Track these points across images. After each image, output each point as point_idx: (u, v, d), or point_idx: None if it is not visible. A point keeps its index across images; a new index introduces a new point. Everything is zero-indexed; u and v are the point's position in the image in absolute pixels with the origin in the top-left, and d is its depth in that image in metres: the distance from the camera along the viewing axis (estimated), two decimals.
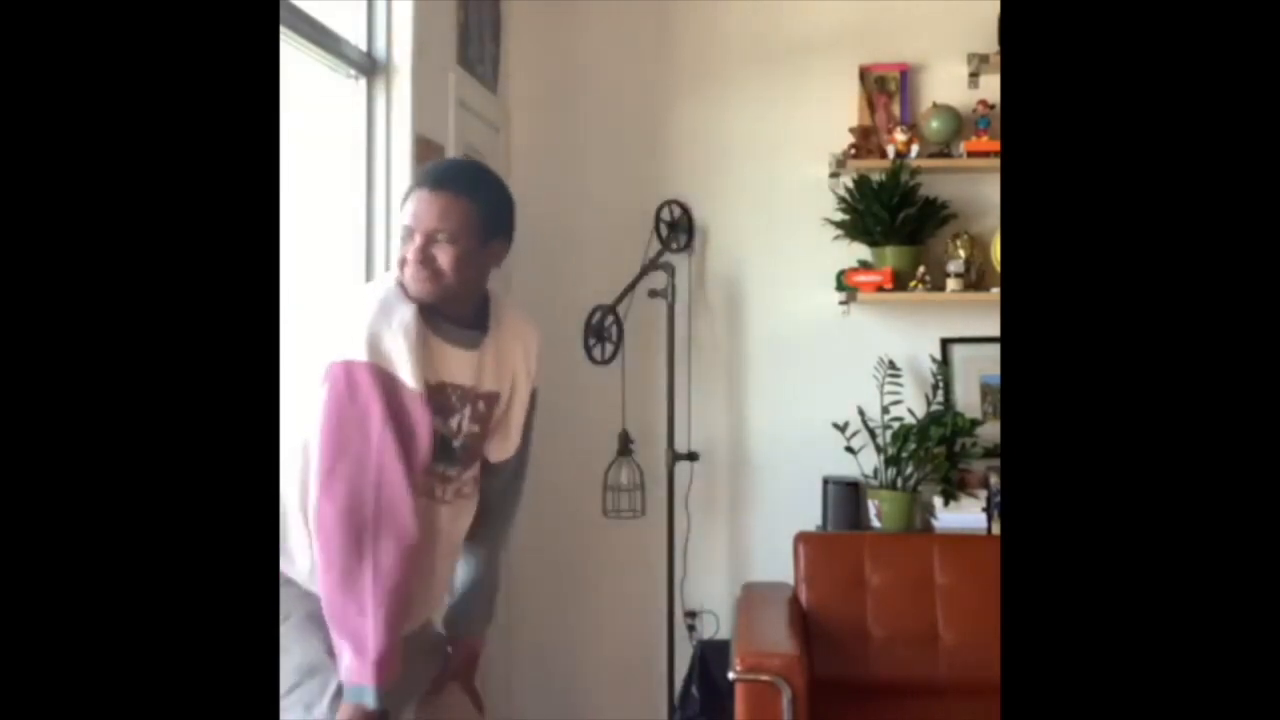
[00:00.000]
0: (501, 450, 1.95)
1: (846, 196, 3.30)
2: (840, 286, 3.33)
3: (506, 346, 1.90)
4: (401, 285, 1.77)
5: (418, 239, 1.76)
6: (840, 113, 3.40)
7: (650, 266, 3.31)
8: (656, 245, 3.42)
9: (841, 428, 3.27)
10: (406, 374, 1.70)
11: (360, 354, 1.69)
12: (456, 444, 1.82)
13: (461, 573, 2.01)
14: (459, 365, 1.81)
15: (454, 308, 1.81)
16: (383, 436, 1.67)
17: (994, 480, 3.20)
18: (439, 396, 1.77)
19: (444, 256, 1.75)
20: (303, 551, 1.75)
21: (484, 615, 2.03)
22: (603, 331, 3.29)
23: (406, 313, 1.73)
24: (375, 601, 1.64)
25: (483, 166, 1.96)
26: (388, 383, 1.69)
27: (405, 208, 1.79)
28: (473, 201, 1.78)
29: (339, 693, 1.67)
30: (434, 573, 1.85)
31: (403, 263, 1.77)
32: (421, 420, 1.71)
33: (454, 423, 1.81)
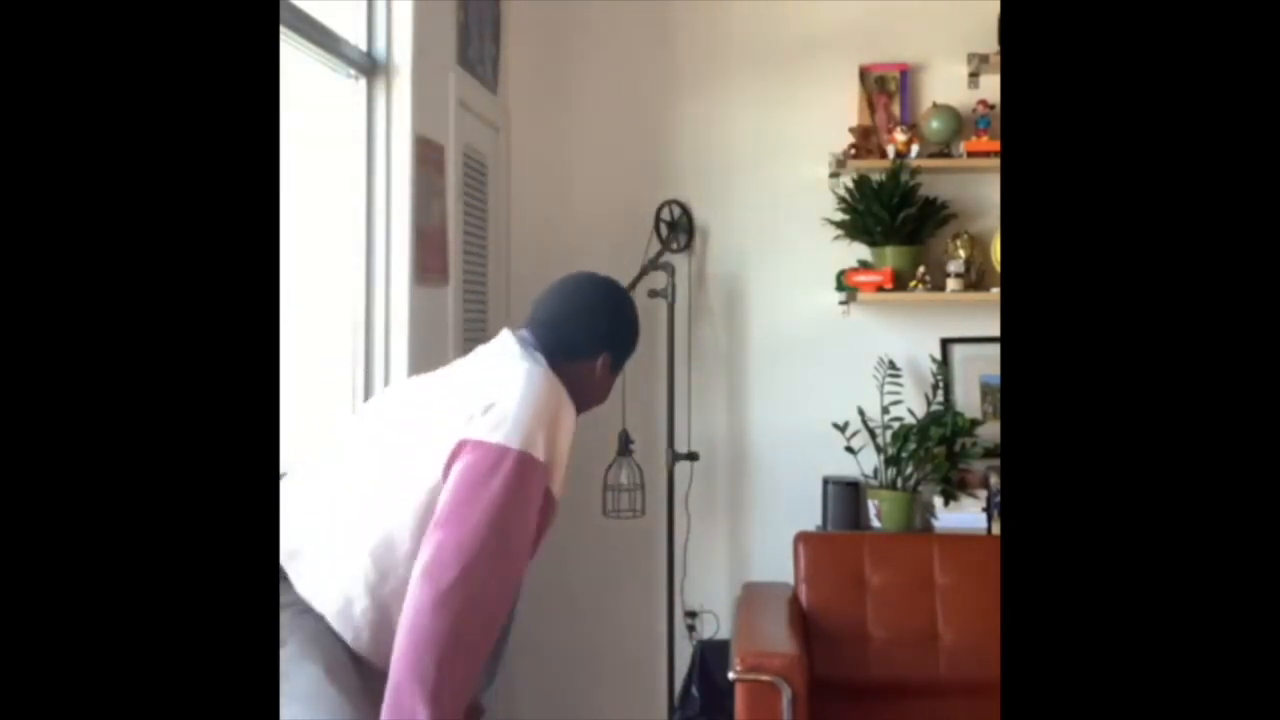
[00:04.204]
0: None
1: (846, 196, 3.30)
2: (840, 286, 3.33)
3: None
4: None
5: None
6: (840, 113, 3.40)
7: (650, 266, 3.31)
8: (656, 245, 3.43)
9: (841, 428, 3.27)
10: (556, 482, 1.73)
11: (538, 452, 1.67)
12: None
13: None
14: None
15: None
16: (529, 538, 1.68)
17: (994, 480, 3.20)
18: None
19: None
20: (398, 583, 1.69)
21: (491, 676, 2.07)
22: None
23: (572, 419, 1.78)
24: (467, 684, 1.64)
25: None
26: (547, 489, 1.70)
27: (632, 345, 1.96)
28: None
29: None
30: None
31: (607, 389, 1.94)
32: (546, 527, 1.76)
33: None
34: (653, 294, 3.33)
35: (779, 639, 2.73)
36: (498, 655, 2.07)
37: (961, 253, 3.29)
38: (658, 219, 3.45)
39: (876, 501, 3.23)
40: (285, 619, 1.68)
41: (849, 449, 3.27)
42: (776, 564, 3.30)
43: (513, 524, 1.64)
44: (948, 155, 3.31)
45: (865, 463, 3.29)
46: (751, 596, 3.15)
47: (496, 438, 1.65)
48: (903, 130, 3.28)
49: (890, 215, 3.21)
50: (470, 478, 1.64)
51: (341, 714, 1.65)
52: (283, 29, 2.12)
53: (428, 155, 2.71)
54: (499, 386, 1.73)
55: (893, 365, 3.30)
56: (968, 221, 3.37)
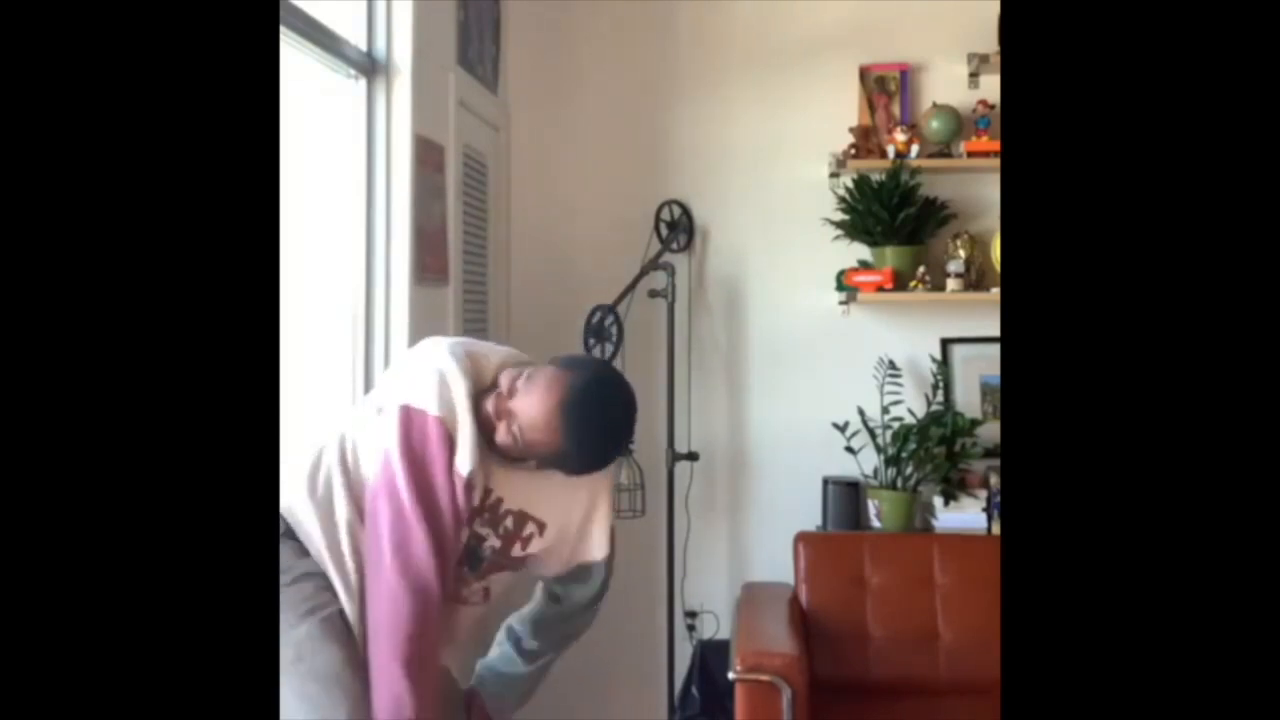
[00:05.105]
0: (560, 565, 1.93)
1: (846, 196, 3.30)
2: (840, 286, 3.33)
3: (570, 483, 1.82)
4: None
5: (506, 404, 1.69)
6: (840, 113, 3.40)
7: (650, 266, 3.32)
8: (656, 245, 3.43)
9: (841, 428, 3.27)
10: (463, 456, 1.66)
11: (433, 409, 1.66)
12: (483, 550, 1.79)
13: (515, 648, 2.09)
14: (505, 479, 1.77)
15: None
16: (443, 491, 1.65)
17: (994, 480, 3.21)
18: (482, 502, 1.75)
19: (510, 438, 1.70)
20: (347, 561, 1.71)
21: (515, 705, 2.09)
22: (603, 331, 3.29)
23: (460, 370, 1.70)
24: (412, 649, 1.62)
25: (613, 397, 1.75)
26: (449, 448, 1.66)
27: (530, 370, 1.72)
28: (564, 434, 1.68)
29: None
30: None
31: (497, 400, 1.70)
32: (460, 505, 1.67)
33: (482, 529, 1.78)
34: (653, 294, 3.33)
35: (779, 639, 2.73)
36: (570, 635, 2.12)
37: (961, 253, 3.29)
38: (658, 219, 3.45)
39: (876, 501, 3.23)
40: (309, 589, 1.69)
41: (849, 449, 3.27)
42: (776, 564, 3.30)
43: (424, 471, 1.64)
44: (948, 155, 3.31)
45: (865, 463, 3.29)
46: (751, 596, 3.15)
47: (388, 407, 1.69)
48: (903, 130, 3.28)
49: (890, 215, 3.21)
50: (376, 462, 1.67)
51: (355, 705, 1.64)
52: (283, 29, 2.12)
53: (428, 155, 2.71)
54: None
55: (893, 365, 3.30)
56: (968, 221, 3.37)
